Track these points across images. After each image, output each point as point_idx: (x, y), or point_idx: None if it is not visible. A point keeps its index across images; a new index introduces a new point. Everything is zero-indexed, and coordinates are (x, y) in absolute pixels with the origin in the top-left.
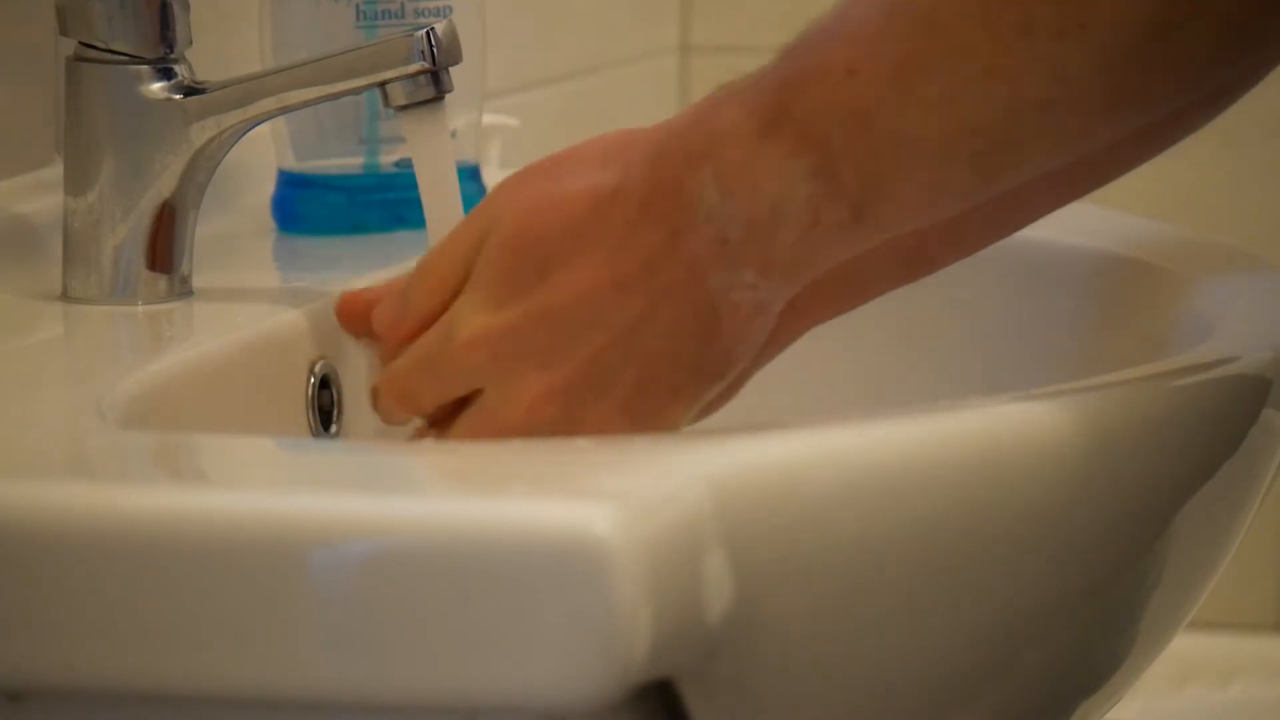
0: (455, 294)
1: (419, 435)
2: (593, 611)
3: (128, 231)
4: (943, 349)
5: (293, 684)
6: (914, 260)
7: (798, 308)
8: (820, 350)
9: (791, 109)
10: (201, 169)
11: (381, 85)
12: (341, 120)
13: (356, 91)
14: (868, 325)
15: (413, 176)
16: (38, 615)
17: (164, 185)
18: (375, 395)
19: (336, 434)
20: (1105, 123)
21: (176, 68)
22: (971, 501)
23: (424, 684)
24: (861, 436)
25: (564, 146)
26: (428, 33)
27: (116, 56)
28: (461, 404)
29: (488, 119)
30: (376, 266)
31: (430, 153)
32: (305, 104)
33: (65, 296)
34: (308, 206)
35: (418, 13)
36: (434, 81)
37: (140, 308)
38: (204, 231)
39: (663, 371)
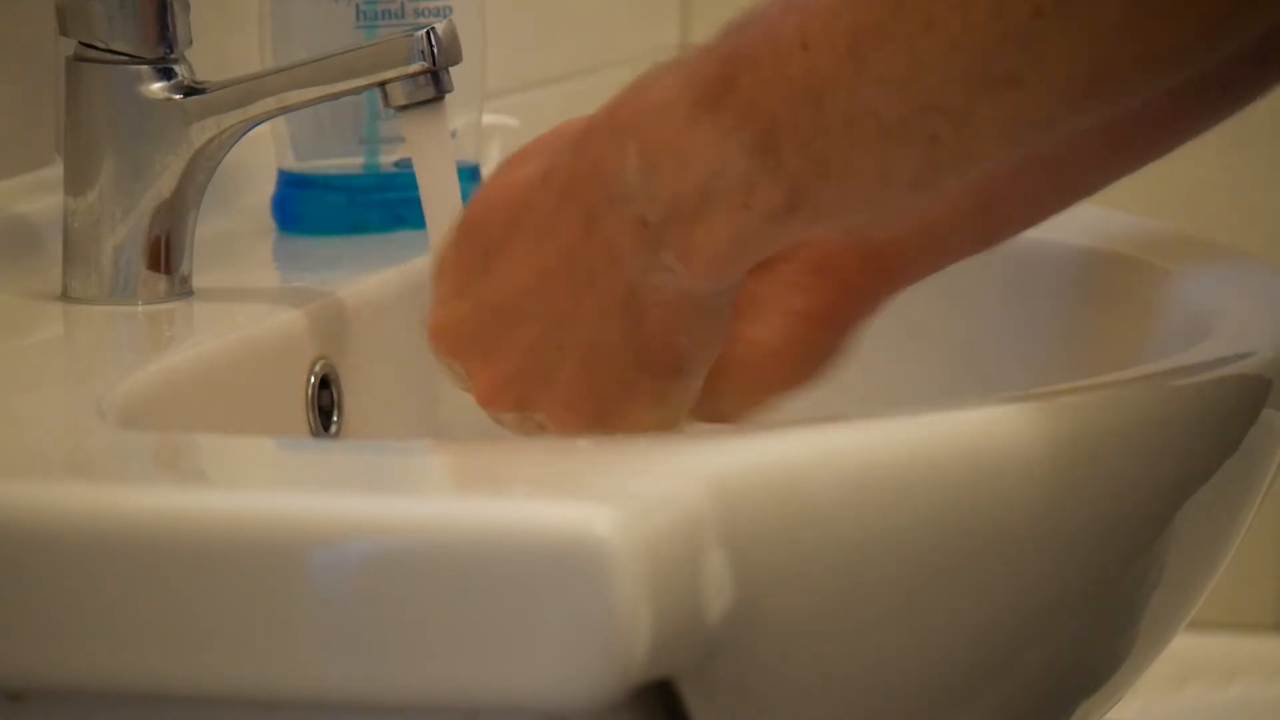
0: None
1: None
2: (593, 611)
3: (128, 231)
4: (942, 349)
5: (293, 684)
6: (988, 220)
7: (881, 267)
8: None
9: (737, 82)
10: (201, 169)
11: (381, 85)
12: (341, 120)
13: (356, 91)
14: (869, 325)
15: (413, 176)
16: (38, 615)
17: (164, 185)
18: None
19: (336, 434)
20: (1070, 110)
21: (176, 68)
22: (971, 501)
23: (424, 684)
24: (861, 436)
25: None
26: (428, 33)
27: (116, 56)
28: None
29: (488, 119)
30: (376, 266)
31: (430, 153)
32: (305, 104)
33: (65, 296)
34: (308, 206)
35: (418, 13)
36: (434, 81)
37: (140, 308)
38: (204, 231)
39: (602, 363)
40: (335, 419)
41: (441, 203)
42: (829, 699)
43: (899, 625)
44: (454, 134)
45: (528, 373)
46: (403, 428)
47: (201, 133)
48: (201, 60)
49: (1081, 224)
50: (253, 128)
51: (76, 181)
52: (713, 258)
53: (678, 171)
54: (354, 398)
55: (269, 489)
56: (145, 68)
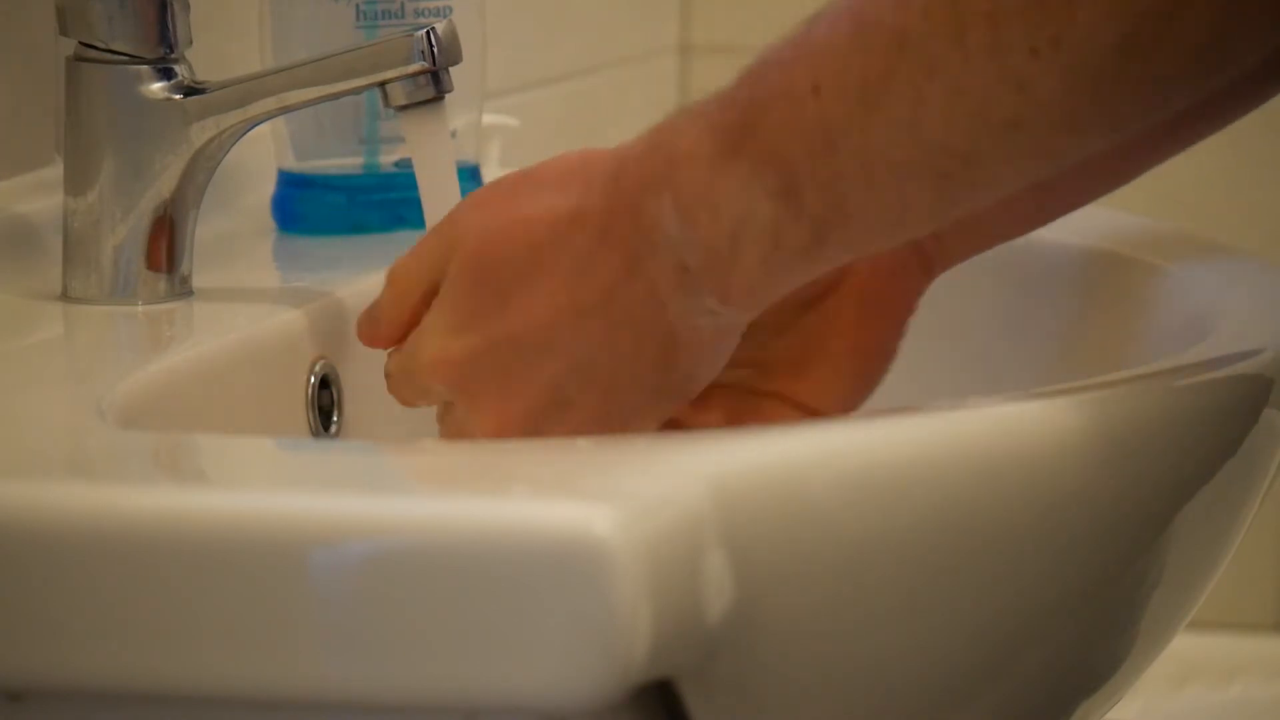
0: (424, 304)
1: None
2: (593, 611)
3: (128, 231)
4: (943, 349)
5: (293, 684)
6: (1033, 205)
7: (921, 266)
8: None
9: (756, 130)
10: (201, 169)
11: (381, 85)
12: (341, 120)
13: (356, 91)
14: None
15: (413, 176)
16: (38, 615)
17: (164, 185)
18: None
19: (336, 434)
20: (1072, 143)
21: (176, 68)
22: (971, 501)
23: (424, 684)
24: (861, 436)
25: (564, 147)
26: (428, 33)
27: (116, 56)
28: None
29: (488, 119)
30: (376, 266)
31: (430, 153)
32: (305, 104)
33: (65, 296)
34: (308, 206)
35: (418, 13)
36: (434, 81)
37: (140, 308)
38: (204, 231)
39: (623, 394)
40: (335, 419)
41: (441, 203)
42: (829, 699)
43: (899, 625)
44: (454, 134)
45: (545, 406)
46: (403, 428)
47: (201, 133)
48: (201, 60)
49: (1081, 224)
50: (253, 128)
51: (76, 181)
52: (750, 294)
53: (711, 220)
54: (354, 398)
55: (269, 489)
56: (145, 68)
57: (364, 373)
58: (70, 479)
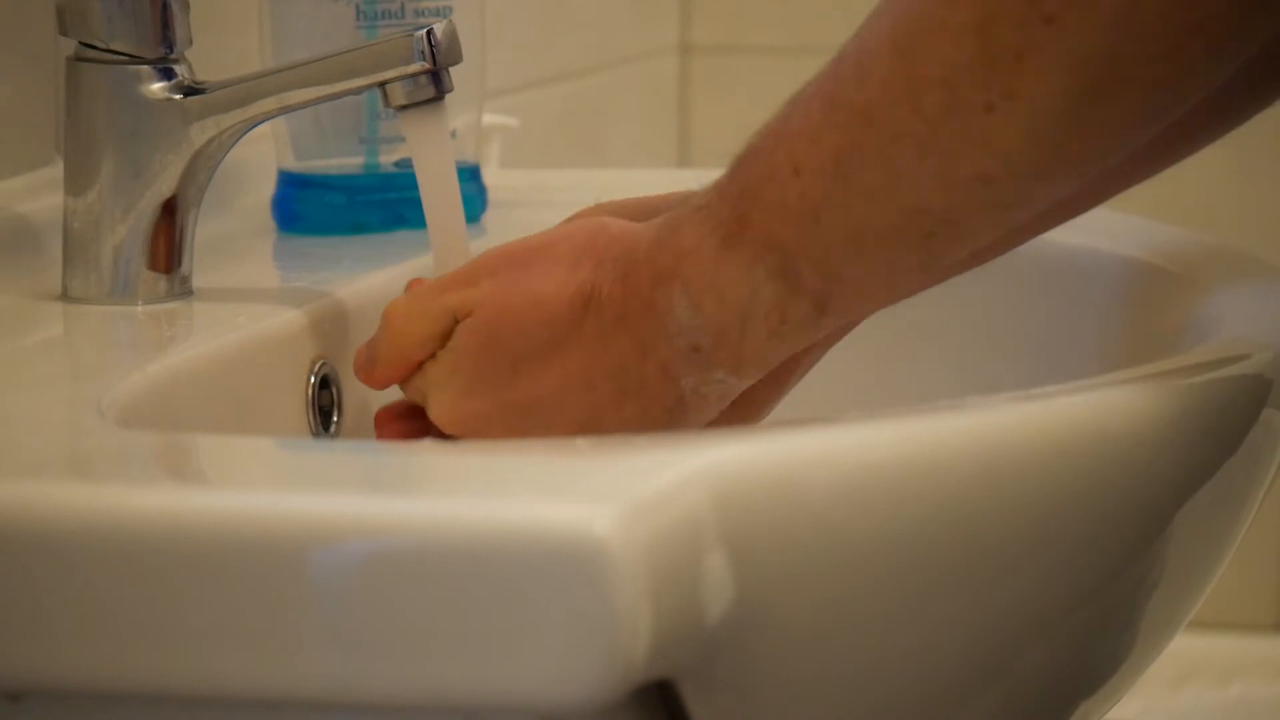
0: (423, 353)
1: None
2: (593, 611)
3: (128, 231)
4: (944, 350)
5: (292, 684)
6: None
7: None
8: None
9: (749, 219)
10: (201, 169)
11: (381, 85)
12: (341, 120)
13: (356, 91)
14: (869, 325)
15: (413, 176)
16: (37, 615)
17: (164, 185)
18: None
19: (336, 434)
20: (1042, 189)
21: (176, 68)
22: (971, 501)
23: (424, 684)
24: (861, 436)
25: (564, 147)
26: (428, 33)
27: (116, 56)
28: None
29: (488, 119)
30: (376, 266)
31: (430, 153)
32: (305, 104)
33: (65, 296)
34: (308, 206)
35: (418, 13)
36: (434, 81)
37: (140, 308)
38: (204, 231)
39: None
40: (335, 419)
41: (441, 203)
42: (829, 699)
43: (899, 625)
44: (454, 134)
45: None
46: None
47: (201, 133)
48: (201, 60)
49: (1088, 229)
50: (253, 128)
51: (76, 181)
52: (761, 364)
53: (718, 306)
54: (354, 398)
55: (268, 489)
56: (145, 68)
57: None
58: (70, 479)
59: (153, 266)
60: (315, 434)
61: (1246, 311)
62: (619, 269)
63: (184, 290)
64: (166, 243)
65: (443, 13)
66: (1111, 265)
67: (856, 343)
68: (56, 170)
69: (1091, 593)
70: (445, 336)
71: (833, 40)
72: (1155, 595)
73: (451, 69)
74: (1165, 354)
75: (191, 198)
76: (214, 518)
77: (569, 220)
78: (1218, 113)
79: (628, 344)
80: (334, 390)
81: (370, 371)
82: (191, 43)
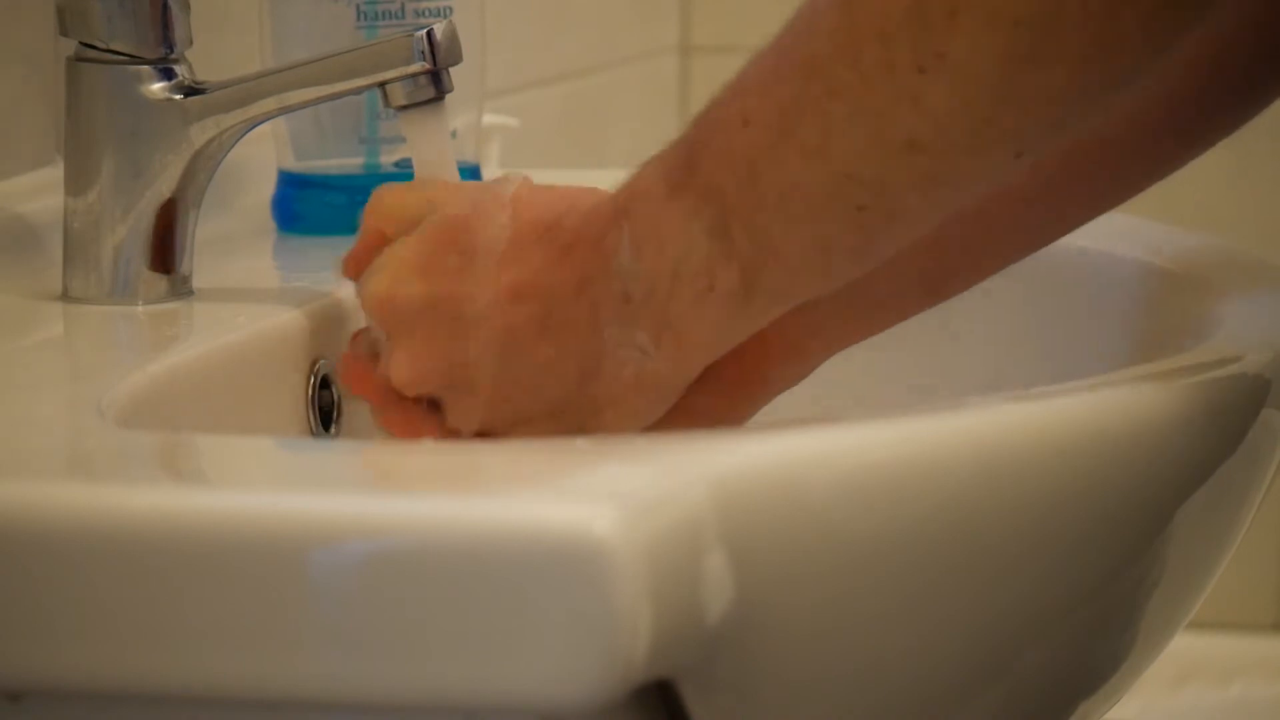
0: (392, 234)
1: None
2: (593, 611)
3: (128, 231)
4: (944, 350)
5: (292, 684)
6: (933, 277)
7: (809, 328)
8: None
9: (698, 167)
10: (201, 169)
11: (381, 85)
12: (341, 120)
13: (356, 91)
14: None
15: (412, 176)
16: (37, 615)
17: (164, 185)
18: None
19: (336, 434)
20: (976, 165)
21: (176, 68)
22: (971, 501)
23: (424, 684)
24: (861, 436)
25: (564, 147)
26: (428, 33)
27: (116, 56)
28: None
29: (488, 119)
30: None
31: (430, 153)
32: (305, 104)
33: (65, 296)
34: (308, 206)
35: (418, 13)
36: (434, 81)
37: (140, 308)
38: (204, 231)
39: (521, 398)
40: (335, 419)
41: None
42: (829, 699)
43: (899, 625)
44: (454, 134)
45: (453, 380)
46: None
47: (201, 133)
48: (201, 60)
49: (1088, 229)
50: (253, 128)
51: (76, 181)
52: (680, 341)
53: (657, 254)
54: (354, 397)
55: (268, 489)
56: (145, 68)
57: None
58: (70, 479)
59: (153, 266)
60: (315, 434)
61: (1246, 311)
62: (590, 207)
63: (184, 290)
64: (166, 243)
65: (443, 13)
66: (1111, 265)
67: (860, 343)
68: (56, 170)
69: (1091, 593)
70: (416, 224)
71: None
72: (1155, 595)
73: (451, 69)
74: (1165, 354)
75: (191, 198)
76: (214, 518)
77: None
78: (1218, 111)
79: (569, 273)
80: (334, 390)
81: (345, 266)
82: (191, 43)
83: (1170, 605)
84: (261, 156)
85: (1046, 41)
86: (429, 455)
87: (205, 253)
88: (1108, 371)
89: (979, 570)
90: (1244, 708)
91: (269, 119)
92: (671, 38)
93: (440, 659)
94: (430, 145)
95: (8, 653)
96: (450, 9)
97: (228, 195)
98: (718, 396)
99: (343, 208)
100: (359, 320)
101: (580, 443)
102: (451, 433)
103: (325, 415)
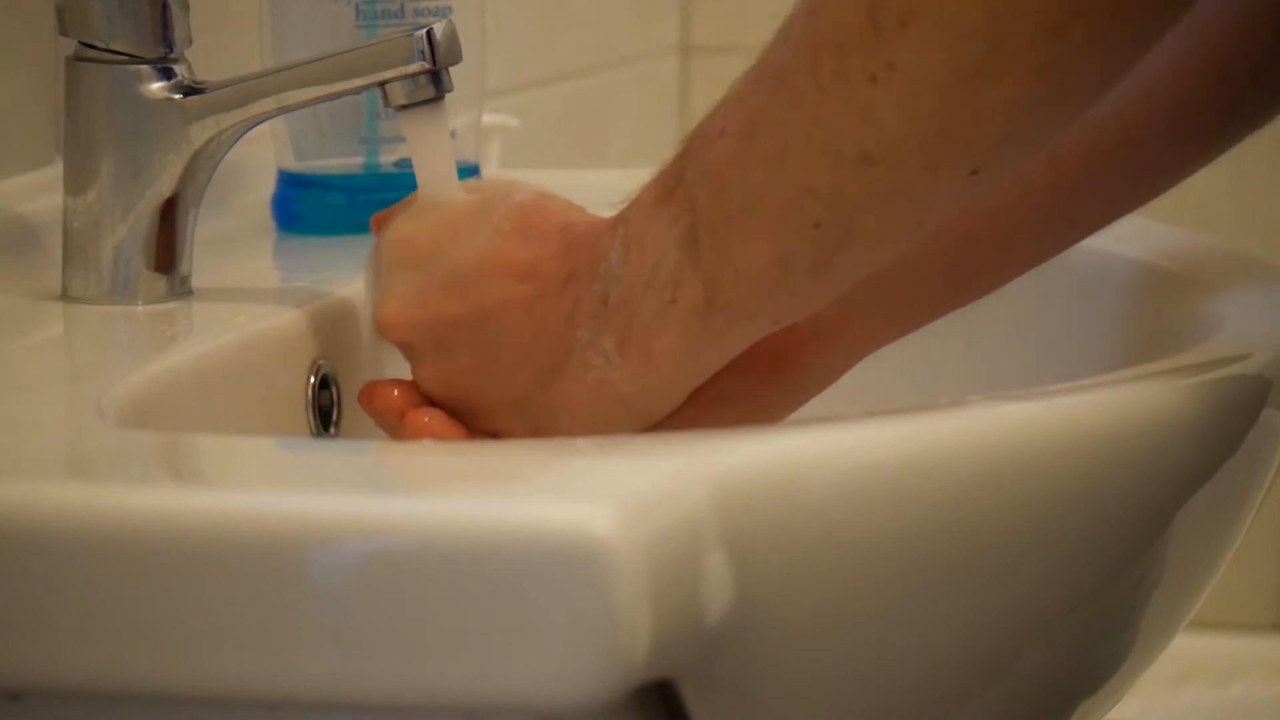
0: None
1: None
2: (593, 611)
3: (127, 231)
4: (944, 350)
5: (292, 684)
6: (959, 273)
7: (839, 317)
8: None
9: (684, 173)
10: (201, 169)
11: (381, 85)
12: (341, 120)
13: (356, 91)
14: None
15: (412, 176)
16: (37, 615)
17: (164, 185)
18: None
19: (336, 434)
20: (931, 182)
21: (176, 68)
22: (971, 501)
23: (424, 684)
24: (861, 436)
25: (564, 147)
26: (427, 33)
27: (116, 56)
28: None
29: (488, 119)
30: None
31: (430, 153)
32: (305, 104)
33: (65, 296)
34: (308, 206)
35: (418, 13)
36: (434, 81)
37: (140, 308)
38: (204, 231)
39: (489, 383)
40: (335, 419)
41: None
42: (828, 699)
43: (899, 625)
44: (454, 134)
45: (434, 338)
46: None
47: (201, 133)
48: (201, 60)
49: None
50: (253, 128)
51: (76, 181)
52: (643, 353)
53: (640, 260)
54: (354, 398)
55: (268, 489)
56: (145, 68)
57: (364, 373)
58: (70, 479)
59: (153, 266)
60: (315, 434)
61: (1247, 311)
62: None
63: (184, 290)
64: (166, 243)
65: (443, 13)
66: (1112, 265)
67: None
68: (56, 170)
69: (1091, 593)
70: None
71: None
72: (1155, 595)
73: (451, 69)
74: (1165, 354)
75: (191, 198)
76: (214, 518)
77: None
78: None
79: (562, 265)
80: (334, 390)
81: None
82: (191, 43)
83: (1170, 605)
84: (261, 156)
85: (996, 55)
86: (429, 455)
87: (205, 252)
88: (1108, 371)
89: (979, 570)
90: (1244, 708)
91: (269, 119)
92: (671, 38)
93: (440, 659)
94: (430, 145)
95: (8, 653)
96: (450, 9)
97: (227, 195)
98: (751, 383)
99: (342, 207)
100: (359, 320)
101: (580, 443)
102: (451, 430)
103: (325, 415)
